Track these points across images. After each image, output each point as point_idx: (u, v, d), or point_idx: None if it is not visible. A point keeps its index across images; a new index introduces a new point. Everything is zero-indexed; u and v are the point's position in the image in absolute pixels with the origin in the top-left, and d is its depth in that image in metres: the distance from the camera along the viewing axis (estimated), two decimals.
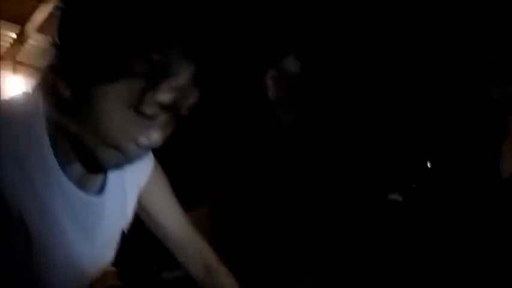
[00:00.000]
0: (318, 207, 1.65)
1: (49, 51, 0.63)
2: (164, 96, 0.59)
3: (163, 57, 0.57)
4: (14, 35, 3.37)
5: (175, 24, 0.60)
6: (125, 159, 0.66)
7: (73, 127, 0.64)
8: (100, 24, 0.58)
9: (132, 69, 0.57)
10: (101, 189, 0.74)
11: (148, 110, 0.59)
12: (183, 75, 0.60)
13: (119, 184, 0.78)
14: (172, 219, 0.91)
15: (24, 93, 0.69)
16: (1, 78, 3.70)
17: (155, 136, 0.63)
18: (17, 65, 3.74)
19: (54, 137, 0.65)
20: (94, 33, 0.58)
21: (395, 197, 1.74)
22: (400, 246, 1.72)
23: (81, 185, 0.69)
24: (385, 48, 1.85)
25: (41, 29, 3.18)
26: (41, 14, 2.94)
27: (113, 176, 0.76)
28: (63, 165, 0.66)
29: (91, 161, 0.67)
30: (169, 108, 0.62)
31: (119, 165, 0.68)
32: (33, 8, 2.88)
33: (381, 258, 1.68)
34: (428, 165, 1.85)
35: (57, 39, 0.61)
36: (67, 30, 0.61)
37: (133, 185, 0.83)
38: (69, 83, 0.61)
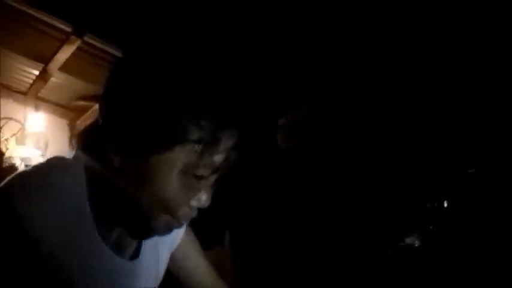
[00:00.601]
0: (332, 254, 1.63)
1: (96, 122, 0.64)
2: (217, 158, 0.62)
3: (213, 123, 0.60)
4: (36, 73, 3.50)
5: (223, 92, 0.62)
6: (177, 222, 0.67)
7: (124, 195, 0.65)
8: (152, 96, 0.60)
9: (187, 137, 0.59)
10: (136, 252, 0.76)
11: (203, 172, 0.62)
12: (230, 137, 0.63)
13: (153, 247, 0.79)
14: (202, 277, 0.93)
15: (62, 158, 0.69)
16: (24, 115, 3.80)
17: (205, 197, 0.66)
18: (39, 101, 3.85)
19: (95, 202, 0.66)
20: (146, 106, 0.60)
21: (411, 240, 1.69)
22: None
23: (118, 249, 0.70)
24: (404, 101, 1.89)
25: (63, 68, 3.30)
26: (63, 54, 3.05)
27: (148, 240, 0.77)
28: (103, 230, 0.67)
29: (133, 227, 0.68)
30: (218, 170, 0.64)
31: (170, 229, 0.69)
32: (57, 48, 2.99)
33: None
34: (445, 205, 1.80)
35: (104, 111, 0.63)
36: (117, 104, 0.62)
37: (166, 247, 0.85)
38: (120, 153, 0.62)
